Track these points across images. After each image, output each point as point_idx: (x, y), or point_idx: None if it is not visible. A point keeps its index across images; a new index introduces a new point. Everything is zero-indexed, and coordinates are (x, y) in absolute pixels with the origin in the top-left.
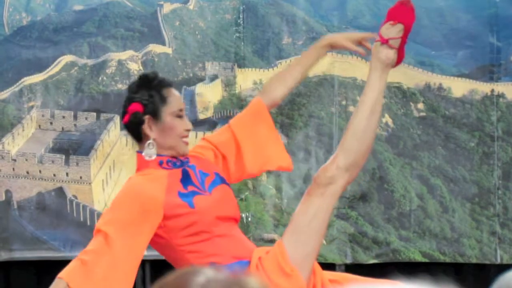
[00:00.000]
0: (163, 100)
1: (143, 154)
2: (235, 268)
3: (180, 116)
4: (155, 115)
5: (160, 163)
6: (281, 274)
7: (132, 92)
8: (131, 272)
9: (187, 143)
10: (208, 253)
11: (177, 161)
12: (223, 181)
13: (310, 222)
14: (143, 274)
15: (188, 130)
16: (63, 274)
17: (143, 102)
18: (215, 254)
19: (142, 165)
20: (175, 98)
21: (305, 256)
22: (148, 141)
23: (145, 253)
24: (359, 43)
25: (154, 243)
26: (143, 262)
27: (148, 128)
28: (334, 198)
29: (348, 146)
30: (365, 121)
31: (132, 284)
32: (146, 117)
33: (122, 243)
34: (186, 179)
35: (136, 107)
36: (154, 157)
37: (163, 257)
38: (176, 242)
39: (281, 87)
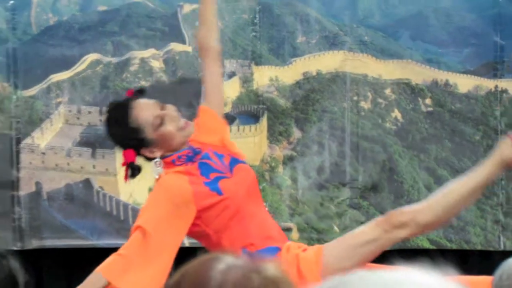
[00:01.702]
0: (135, 130)
1: (153, 172)
2: (267, 254)
3: (161, 124)
4: (144, 145)
5: (173, 162)
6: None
7: (113, 139)
8: (167, 265)
9: (187, 127)
10: (241, 239)
11: (189, 152)
12: (237, 160)
13: (361, 246)
14: None
15: (180, 125)
16: (100, 268)
17: (128, 145)
18: (248, 240)
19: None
20: (140, 116)
21: (335, 271)
22: (155, 161)
23: None
24: None
25: (190, 232)
26: None
27: (149, 153)
28: (393, 241)
29: (434, 207)
30: (460, 197)
31: (166, 275)
32: (142, 153)
33: (159, 238)
34: (205, 169)
35: (129, 157)
36: (162, 173)
37: (184, 246)
38: (211, 230)
39: (211, 32)
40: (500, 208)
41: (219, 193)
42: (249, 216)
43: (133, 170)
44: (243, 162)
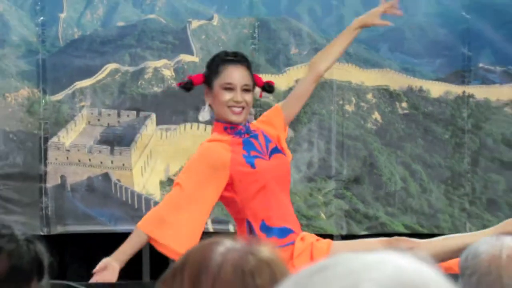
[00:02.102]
0: (217, 73)
1: (200, 115)
2: (280, 232)
3: (228, 89)
4: (209, 85)
5: (225, 129)
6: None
7: (206, 66)
8: (201, 221)
9: (235, 113)
10: (263, 211)
11: (242, 129)
12: (279, 151)
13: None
14: None
15: (236, 102)
16: (139, 223)
17: (205, 74)
18: (268, 214)
19: (213, 129)
20: (228, 73)
21: None
22: (205, 106)
23: None
24: (387, 12)
25: (222, 197)
26: None
27: (206, 95)
28: None
29: (433, 245)
30: (456, 247)
31: (201, 231)
32: (205, 91)
33: (194, 195)
34: (248, 146)
35: (199, 79)
36: (206, 118)
37: None
38: (238, 198)
39: (324, 62)
40: (466, 197)
41: (253, 166)
42: (274, 196)
43: (188, 86)
44: (284, 155)
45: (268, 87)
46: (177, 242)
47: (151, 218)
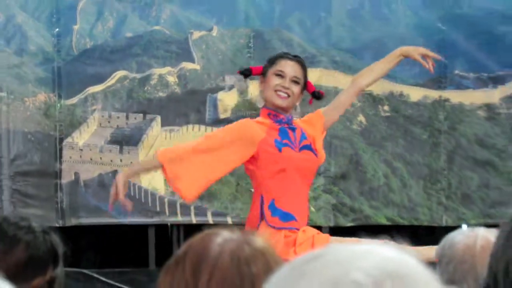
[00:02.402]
0: (272, 63)
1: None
2: (284, 216)
3: (280, 76)
4: (264, 74)
5: (268, 115)
6: None
7: (266, 61)
8: (214, 170)
9: (281, 97)
10: (276, 192)
11: (284, 118)
12: (311, 149)
13: None
14: (178, 237)
15: (283, 87)
16: (159, 152)
17: (264, 66)
18: (280, 196)
19: (260, 114)
20: (282, 63)
21: None
22: (260, 91)
23: (180, 219)
24: (424, 56)
25: (247, 169)
26: (178, 227)
27: (260, 84)
28: None
29: (425, 253)
30: None
31: (209, 181)
32: (261, 80)
33: (216, 149)
34: (283, 134)
35: (257, 70)
36: (260, 104)
37: (194, 223)
38: (260, 173)
39: (367, 79)
40: (443, 192)
41: (279, 150)
42: (292, 183)
43: (246, 73)
44: (315, 154)
45: (318, 95)
46: (185, 182)
47: (171, 152)
